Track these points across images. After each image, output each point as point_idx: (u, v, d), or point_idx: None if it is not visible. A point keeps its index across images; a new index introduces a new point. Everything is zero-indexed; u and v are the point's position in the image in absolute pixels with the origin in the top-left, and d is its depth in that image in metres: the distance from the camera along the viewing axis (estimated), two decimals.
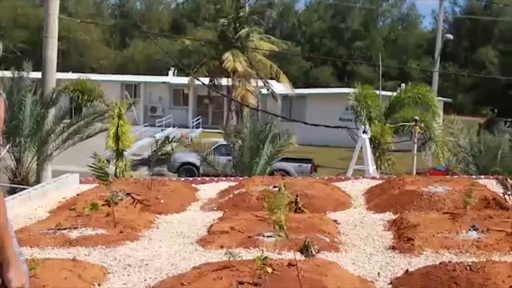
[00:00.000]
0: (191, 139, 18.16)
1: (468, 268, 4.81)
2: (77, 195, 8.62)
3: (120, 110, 12.45)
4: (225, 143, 21.77)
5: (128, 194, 7.85)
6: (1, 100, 2.98)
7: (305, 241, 5.76)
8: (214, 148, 19.20)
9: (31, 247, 6.15)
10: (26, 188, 10.16)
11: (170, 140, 12.13)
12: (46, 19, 17.00)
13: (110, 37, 69.77)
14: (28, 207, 8.12)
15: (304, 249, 5.69)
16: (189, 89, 37.04)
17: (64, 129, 15.97)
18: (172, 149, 12.59)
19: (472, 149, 16.52)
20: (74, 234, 6.49)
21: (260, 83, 36.22)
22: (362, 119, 20.30)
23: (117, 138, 12.54)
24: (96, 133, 15.74)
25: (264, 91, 36.97)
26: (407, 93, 21.18)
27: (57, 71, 17.48)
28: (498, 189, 8.68)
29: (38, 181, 15.10)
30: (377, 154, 19.05)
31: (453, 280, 4.67)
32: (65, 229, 6.57)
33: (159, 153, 11.31)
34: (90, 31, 61.47)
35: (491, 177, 9.86)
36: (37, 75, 17.44)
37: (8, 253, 2.76)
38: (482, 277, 4.63)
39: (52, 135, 15.89)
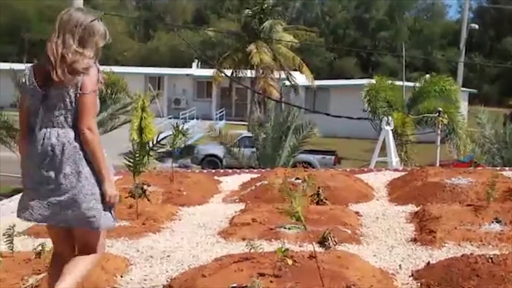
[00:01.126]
0: (220, 131, 18.19)
1: (490, 260, 4.77)
2: None
3: (143, 103, 12.48)
4: (248, 135, 21.84)
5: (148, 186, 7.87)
6: (94, 67, 3.73)
7: (324, 233, 5.77)
8: (238, 140, 19.26)
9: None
10: None
11: (179, 132, 12.09)
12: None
13: (134, 29, 70.17)
14: None
15: (323, 241, 5.70)
16: (214, 81, 37.04)
17: None
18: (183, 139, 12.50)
19: (497, 141, 16.36)
20: None
21: (283, 75, 36.15)
22: (375, 111, 20.20)
23: (140, 130, 12.57)
24: (121, 125, 15.80)
25: (287, 83, 36.91)
26: (431, 85, 20.97)
27: None
28: None
29: None
30: (399, 146, 18.94)
31: (475, 273, 4.64)
32: None
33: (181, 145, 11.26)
34: (114, 23, 61.69)
35: None
36: None
37: (103, 173, 3.73)
38: (503, 269, 4.59)
39: None
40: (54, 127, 3.73)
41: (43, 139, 3.72)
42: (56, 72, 3.66)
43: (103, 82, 3.89)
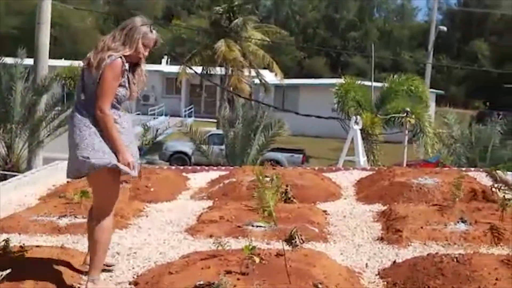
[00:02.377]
0: (190, 127, 18.12)
1: (455, 260, 4.81)
2: (67, 182, 8.59)
3: None
4: (217, 132, 21.79)
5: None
6: (117, 60, 4.44)
7: (291, 231, 5.77)
8: (206, 137, 19.19)
9: (19, 234, 6.15)
10: (17, 175, 10.14)
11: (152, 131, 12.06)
12: (39, 5, 16.89)
13: (103, 24, 69.39)
14: (18, 194, 8.10)
15: (290, 239, 5.70)
16: (180, 77, 36.86)
17: (56, 116, 15.91)
18: (155, 137, 12.43)
19: (463, 141, 16.57)
20: (63, 221, 6.48)
21: (253, 73, 36.18)
22: (344, 110, 20.32)
23: None
24: None
25: (257, 81, 36.93)
26: (399, 85, 21.14)
27: (50, 58, 17.38)
28: (488, 182, 8.70)
29: (29, 168, 15.07)
30: (367, 145, 19.06)
31: (440, 272, 4.68)
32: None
33: (146, 142, 11.18)
34: (84, 18, 61.09)
35: (481, 169, 9.89)
36: (30, 61, 17.35)
37: (117, 146, 4.42)
38: (468, 269, 4.64)
39: (44, 122, 15.85)
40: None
41: None
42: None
43: (142, 80, 4.74)
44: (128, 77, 4.56)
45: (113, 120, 4.44)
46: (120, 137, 4.46)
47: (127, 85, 4.56)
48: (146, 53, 4.62)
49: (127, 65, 4.50)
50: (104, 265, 4.82)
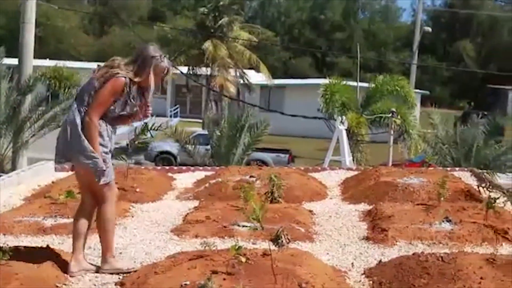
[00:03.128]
0: (175, 129, 18.06)
1: (440, 259, 4.84)
2: (52, 182, 8.55)
3: None
4: (203, 132, 21.74)
5: None
6: (121, 80, 4.77)
7: (277, 231, 5.77)
8: (192, 138, 19.12)
9: (4, 234, 6.11)
10: (1, 175, 10.05)
11: (149, 127, 12.01)
12: (23, 5, 16.77)
13: (88, 24, 69.10)
14: (3, 195, 8.03)
15: (276, 239, 5.71)
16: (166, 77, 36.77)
17: (40, 116, 15.79)
18: (152, 136, 12.48)
19: (448, 141, 16.64)
20: (48, 222, 6.45)
21: (239, 74, 36.14)
22: (329, 111, 20.34)
23: None
24: None
25: (246, 81, 36.87)
26: (384, 85, 21.18)
27: (34, 58, 17.25)
28: (472, 182, 8.76)
29: (13, 168, 14.95)
30: (353, 145, 19.11)
31: (425, 271, 4.70)
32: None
33: (137, 141, 11.17)
34: (68, 18, 60.77)
35: (466, 169, 9.96)
36: (14, 61, 17.21)
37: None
38: (454, 268, 4.66)
39: (28, 122, 15.71)
40: None
41: None
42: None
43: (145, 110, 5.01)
44: (129, 97, 4.82)
45: (98, 131, 4.73)
46: (98, 146, 4.75)
47: (124, 105, 4.83)
48: (158, 81, 4.93)
49: (134, 89, 4.82)
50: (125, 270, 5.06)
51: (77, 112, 4.79)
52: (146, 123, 12.46)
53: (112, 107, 4.79)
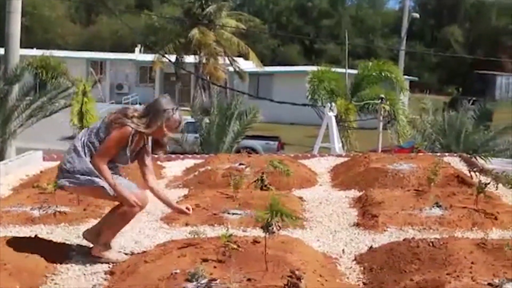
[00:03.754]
0: None
1: (431, 244, 4.84)
2: (41, 172, 8.48)
3: (84, 87, 12.24)
4: (192, 120, 21.64)
5: None
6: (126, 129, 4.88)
7: (268, 218, 5.74)
8: None
9: None
10: None
11: None
12: None
13: (75, 12, 68.56)
14: None
15: (266, 226, 5.68)
16: (154, 66, 36.55)
17: (28, 106, 15.65)
18: None
19: (436, 127, 16.66)
20: (37, 212, 6.40)
21: (228, 61, 35.99)
22: (317, 100, 20.30)
23: (81, 115, 12.35)
24: (60, 109, 15.45)
25: (231, 68, 36.75)
26: (372, 71, 21.12)
27: (21, 47, 17.08)
28: (462, 167, 8.77)
29: (1, 158, 14.81)
30: (342, 132, 19.10)
31: (416, 257, 4.71)
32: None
33: None
34: (55, 7, 60.28)
35: (455, 154, 9.97)
36: (0, 51, 17.05)
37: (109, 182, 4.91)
38: (444, 253, 4.67)
39: (16, 112, 15.56)
40: None
41: None
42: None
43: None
44: (128, 147, 4.91)
45: (106, 170, 4.88)
46: (116, 184, 4.92)
47: (128, 153, 4.94)
48: (171, 134, 5.07)
49: (135, 138, 4.90)
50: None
51: (79, 141, 4.95)
52: None
53: (121, 153, 4.93)
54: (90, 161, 4.88)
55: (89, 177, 4.87)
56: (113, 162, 5.00)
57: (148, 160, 5.14)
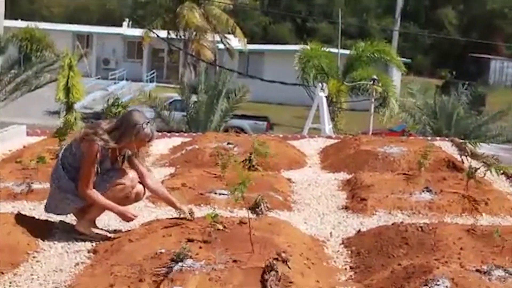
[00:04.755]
0: (149, 94, 17.83)
1: (419, 229, 4.81)
2: (24, 147, 8.36)
3: (70, 61, 12.05)
4: (180, 98, 21.53)
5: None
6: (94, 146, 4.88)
7: (256, 199, 5.67)
8: (168, 104, 18.92)
9: None
10: None
11: (119, 103, 11.86)
12: None
13: None
14: None
15: (254, 207, 5.61)
16: (143, 41, 36.17)
17: (12, 79, 15.43)
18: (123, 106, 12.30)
19: (428, 111, 16.63)
20: (19, 187, 6.30)
21: (217, 38, 35.68)
22: (306, 78, 20.15)
23: (67, 90, 12.17)
24: (45, 84, 15.26)
25: (221, 46, 36.47)
26: (365, 51, 20.95)
27: (5, 18, 16.80)
28: (453, 151, 8.72)
29: None
30: (333, 113, 19.01)
31: (405, 241, 4.68)
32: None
33: (110, 112, 10.97)
34: None
35: (446, 139, 9.91)
36: None
37: (113, 210, 5.09)
38: (433, 238, 4.65)
39: None
40: None
41: None
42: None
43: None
44: (99, 165, 4.93)
45: (96, 195, 4.92)
46: (108, 202, 4.99)
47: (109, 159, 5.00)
48: (142, 147, 5.13)
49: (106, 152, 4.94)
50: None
51: (60, 166, 5.02)
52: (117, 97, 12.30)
53: (104, 163, 4.98)
54: (70, 180, 4.96)
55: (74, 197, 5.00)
56: (107, 170, 5.02)
57: (137, 163, 5.15)
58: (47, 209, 5.17)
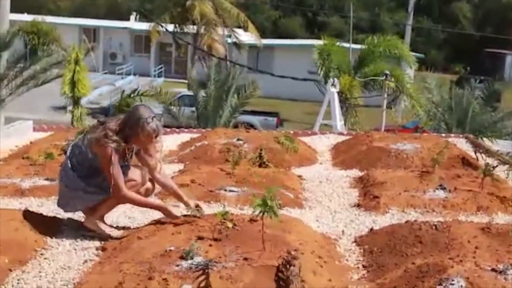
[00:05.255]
0: (159, 90, 17.79)
1: (433, 227, 4.76)
2: (30, 143, 8.36)
3: (77, 55, 12.00)
4: (188, 93, 21.49)
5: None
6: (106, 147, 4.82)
7: (267, 196, 5.59)
8: (177, 99, 18.87)
9: None
10: None
11: (137, 93, 11.80)
12: None
13: None
14: None
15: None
16: (152, 36, 36.10)
17: (18, 74, 15.37)
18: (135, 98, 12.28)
19: (442, 107, 16.49)
20: (26, 183, 6.27)
21: (227, 32, 35.59)
22: (326, 73, 20.00)
23: (73, 84, 12.13)
24: (53, 79, 15.20)
25: (230, 40, 36.37)
26: (377, 46, 20.78)
27: (11, 12, 16.72)
28: (468, 148, 8.63)
29: None
30: (345, 109, 18.88)
31: (418, 240, 4.63)
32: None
33: (124, 104, 10.93)
34: None
35: (461, 135, 9.82)
36: None
37: (155, 208, 5.15)
38: (447, 237, 4.59)
39: (5, 80, 15.29)
40: None
41: None
42: None
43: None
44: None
45: (135, 195, 4.95)
46: (149, 201, 5.14)
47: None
48: (149, 142, 4.96)
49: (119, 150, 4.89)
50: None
51: (68, 164, 4.99)
52: (136, 89, 12.25)
53: (125, 157, 4.98)
54: (78, 178, 4.95)
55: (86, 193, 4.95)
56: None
57: (146, 157, 5.09)
58: (59, 204, 5.14)
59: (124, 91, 17.48)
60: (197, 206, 5.02)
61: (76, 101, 12.09)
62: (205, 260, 3.96)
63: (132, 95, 12.18)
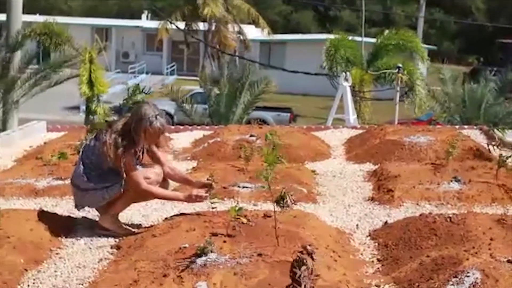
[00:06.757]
0: (171, 87, 17.80)
1: (448, 220, 4.73)
2: (44, 143, 8.39)
3: (91, 55, 12.06)
4: (201, 91, 21.48)
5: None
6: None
7: (282, 191, 5.59)
8: (189, 96, 18.88)
9: None
10: None
11: (141, 90, 11.80)
12: None
13: None
14: None
15: (280, 200, 5.53)
16: (161, 34, 36.04)
17: (31, 75, 15.41)
18: (144, 96, 12.23)
19: (456, 99, 16.38)
20: (41, 183, 6.31)
21: (237, 29, 35.52)
22: (333, 68, 19.94)
23: (91, 83, 12.20)
24: (66, 79, 15.23)
25: (242, 37, 36.31)
26: (390, 40, 20.70)
27: (23, 13, 16.76)
28: (482, 140, 8.56)
29: (3, 129, 14.59)
30: (357, 103, 18.81)
31: (433, 232, 4.61)
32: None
33: (130, 102, 10.93)
34: None
35: (475, 127, 9.74)
36: (2, 17, 16.76)
37: (172, 199, 5.45)
38: (462, 229, 4.56)
39: (19, 81, 15.33)
40: None
41: None
42: None
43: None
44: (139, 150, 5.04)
45: (155, 189, 5.03)
46: (165, 192, 5.17)
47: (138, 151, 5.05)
48: (156, 139, 5.03)
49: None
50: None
51: (81, 166, 5.03)
52: (138, 84, 12.32)
53: (136, 155, 5.02)
54: (88, 180, 4.99)
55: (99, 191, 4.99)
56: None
57: (158, 152, 5.19)
58: (76, 206, 5.18)
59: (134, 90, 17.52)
60: (207, 182, 5.18)
61: (96, 99, 12.19)
62: (220, 256, 3.96)
63: (137, 93, 12.16)
